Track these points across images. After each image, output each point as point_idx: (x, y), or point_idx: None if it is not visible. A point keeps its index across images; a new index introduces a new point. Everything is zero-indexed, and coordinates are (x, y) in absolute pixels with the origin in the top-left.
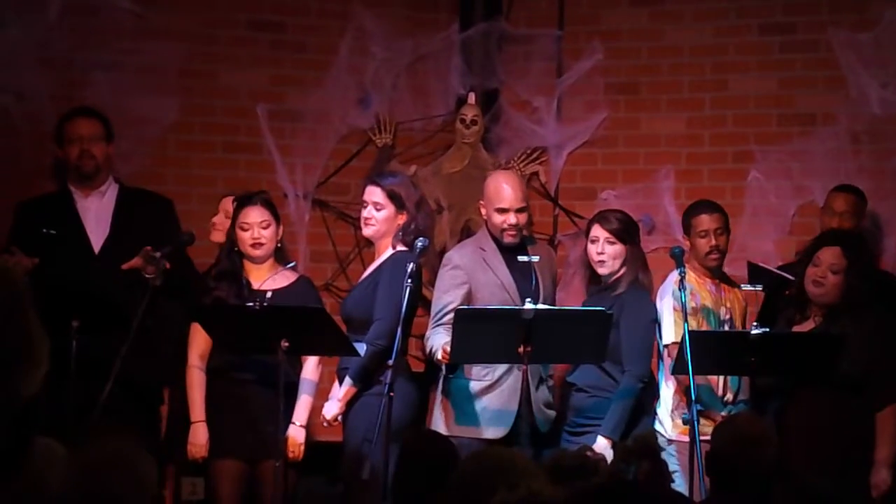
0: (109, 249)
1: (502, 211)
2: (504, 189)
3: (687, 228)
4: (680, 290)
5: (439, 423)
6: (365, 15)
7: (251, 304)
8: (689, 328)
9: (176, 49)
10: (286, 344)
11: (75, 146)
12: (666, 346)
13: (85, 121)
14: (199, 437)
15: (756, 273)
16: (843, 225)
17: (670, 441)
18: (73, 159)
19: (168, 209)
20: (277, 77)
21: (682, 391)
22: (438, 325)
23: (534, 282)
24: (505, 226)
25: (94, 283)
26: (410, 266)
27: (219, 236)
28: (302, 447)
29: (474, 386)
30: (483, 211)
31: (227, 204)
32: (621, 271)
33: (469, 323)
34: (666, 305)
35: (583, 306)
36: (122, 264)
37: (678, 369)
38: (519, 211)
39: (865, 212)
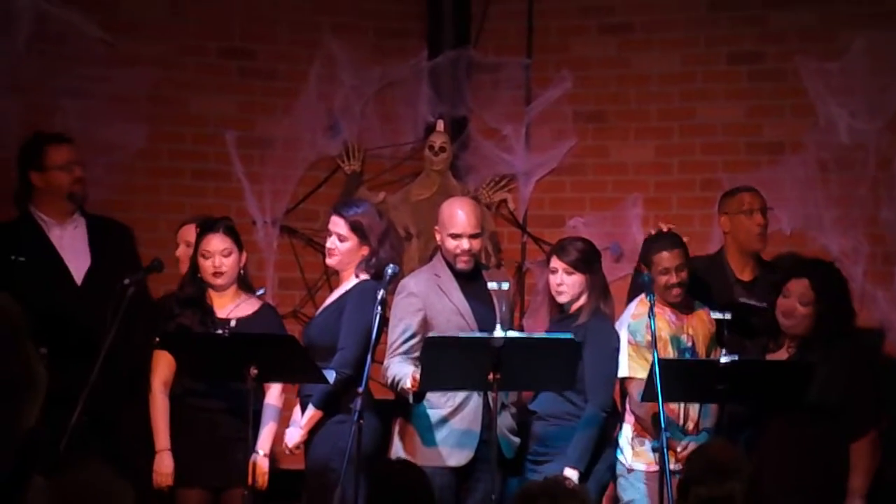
0: (91, 279)
1: (455, 236)
2: (458, 215)
3: (647, 262)
4: (649, 316)
5: (400, 452)
6: (334, 43)
7: (220, 331)
8: (644, 363)
9: (145, 76)
10: (255, 371)
11: (65, 172)
12: (620, 379)
13: (70, 146)
14: (164, 465)
15: (740, 309)
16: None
17: (630, 469)
18: (65, 185)
19: (130, 236)
20: (246, 104)
21: (638, 425)
22: (396, 355)
23: (503, 307)
24: (458, 251)
25: (80, 314)
26: (381, 294)
27: (185, 267)
28: (266, 475)
29: (435, 413)
30: (438, 237)
31: (186, 233)
32: (582, 300)
33: (438, 350)
34: (622, 338)
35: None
36: (103, 293)
37: (647, 397)
38: (472, 237)
39: None
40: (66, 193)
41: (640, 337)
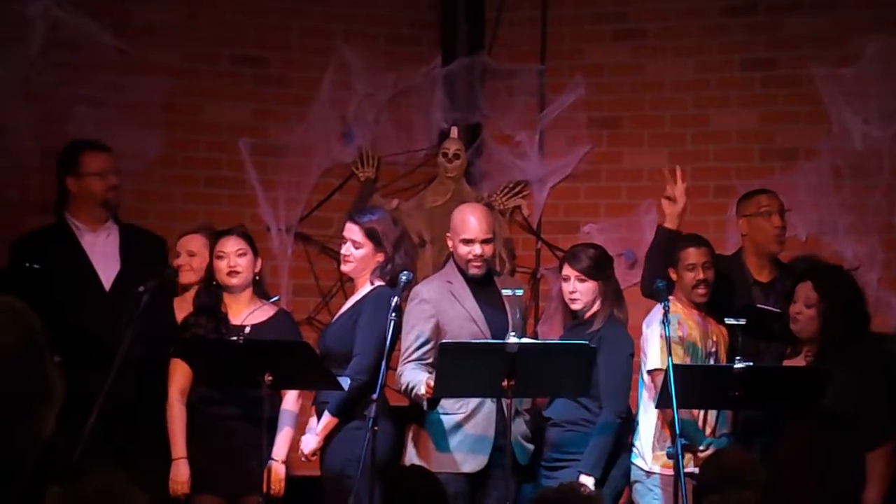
0: (120, 287)
1: (468, 242)
2: (469, 220)
3: (673, 262)
4: (664, 323)
5: (414, 458)
6: (347, 50)
7: (235, 337)
8: (675, 359)
9: (159, 84)
10: (270, 378)
11: (100, 179)
12: (649, 371)
13: (106, 154)
14: (180, 473)
15: (757, 314)
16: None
17: (649, 473)
18: (99, 192)
19: (163, 247)
20: (260, 112)
21: (666, 423)
22: (409, 361)
23: (516, 314)
24: (470, 256)
25: (107, 320)
26: (395, 300)
27: (186, 277)
28: (283, 482)
29: (449, 419)
30: (450, 243)
31: (187, 243)
32: (595, 307)
33: (453, 357)
34: (654, 332)
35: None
36: (130, 301)
37: (662, 403)
38: (484, 242)
39: None
40: (100, 200)
41: (671, 331)
